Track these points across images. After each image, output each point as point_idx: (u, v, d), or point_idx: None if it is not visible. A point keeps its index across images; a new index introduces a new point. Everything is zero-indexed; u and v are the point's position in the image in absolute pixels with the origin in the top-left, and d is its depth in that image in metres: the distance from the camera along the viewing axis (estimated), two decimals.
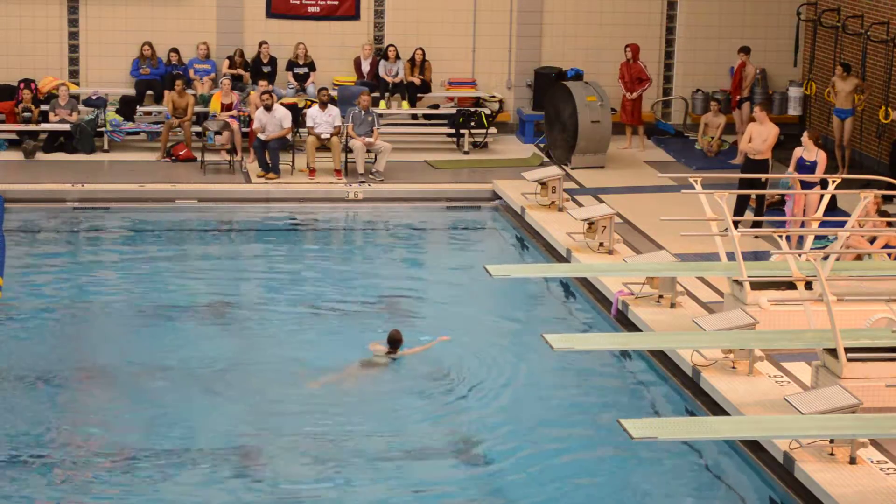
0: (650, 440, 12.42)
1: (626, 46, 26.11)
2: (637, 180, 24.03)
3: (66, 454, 14.17)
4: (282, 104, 24.72)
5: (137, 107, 25.54)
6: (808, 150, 20.11)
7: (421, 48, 26.37)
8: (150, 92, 25.85)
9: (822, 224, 17.47)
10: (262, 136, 23.70)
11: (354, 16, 26.82)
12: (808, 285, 16.16)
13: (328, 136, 23.94)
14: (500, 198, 23.20)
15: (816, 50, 26.84)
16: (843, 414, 13.03)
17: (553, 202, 21.90)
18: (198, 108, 25.24)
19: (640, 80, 25.99)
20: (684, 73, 27.70)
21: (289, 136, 24.05)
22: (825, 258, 16.07)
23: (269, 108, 23.86)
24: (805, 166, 20.05)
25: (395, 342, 16.59)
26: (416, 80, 26.23)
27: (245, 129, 24.70)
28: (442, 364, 16.76)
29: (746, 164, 21.15)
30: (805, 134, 20.29)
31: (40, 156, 24.60)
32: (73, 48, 26.07)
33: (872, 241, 18.01)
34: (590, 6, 27.30)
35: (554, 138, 25.34)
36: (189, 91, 25.34)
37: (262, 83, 24.65)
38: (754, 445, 13.89)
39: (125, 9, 26.10)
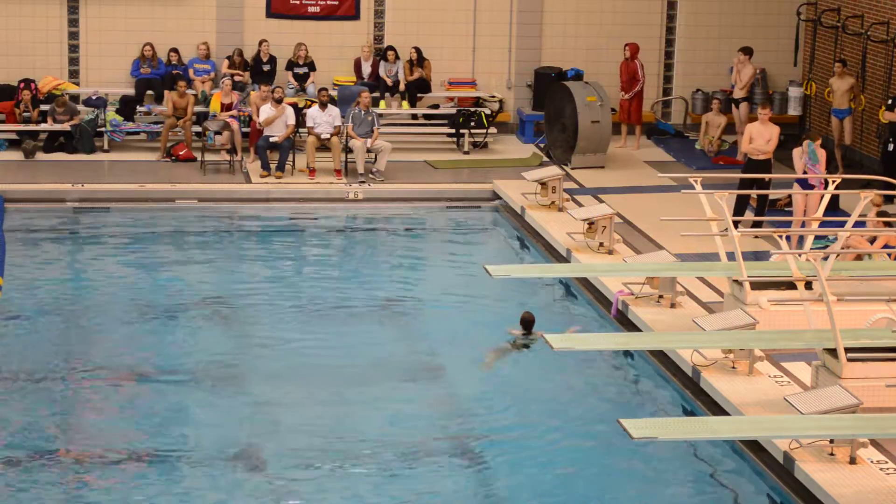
0: (650, 440, 12.43)
1: (625, 45, 26.11)
2: (637, 180, 24.03)
3: (66, 454, 14.17)
4: None
5: (137, 107, 25.54)
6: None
7: (415, 47, 26.34)
8: (150, 92, 25.84)
9: (822, 224, 17.47)
10: (272, 139, 23.71)
11: (354, 16, 26.82)
12: (808, 285, 16.16)
13: (328, 136, 23.95)
14: (500, 198, 23.20)
15: (816, 50, 26.84)
16: (843, 414, 13.03)
17: (553, 202, 21.90)
18: (198, 108, 25.24)
19: (634, 79, 26.00)
20: (684, 73, 27.70)
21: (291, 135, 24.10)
22: (825, 258, 16.07)
23: (279, 102, 23.91)
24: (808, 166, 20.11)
25: (527, 323, 16.87)
26: (412, 77, 26.19)
27: (245, 129, 24.70)
28: (442, 364, 16.78)
29: (748, 164, 21.14)
30: (818, 141, 20.35)
31: (40, 156, 24.60)
32: (73, 48, 26.07)
33: (872, 241, 18.01)
34: (590, 6, 27.29)
35: (554, 138, 25.34)
36: (189, 91, 25.34)
37: (265, 88, 24.64)
38: (754, 445, 13.89)
39: (125, 9, 26.10)
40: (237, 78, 25.55)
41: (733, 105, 26.12)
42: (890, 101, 23.12)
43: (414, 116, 26.58)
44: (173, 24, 26.20)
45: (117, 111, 25.22)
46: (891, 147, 22.88)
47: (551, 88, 25.71)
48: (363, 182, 23.66)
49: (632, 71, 25.99)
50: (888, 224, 18.06)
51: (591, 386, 16.24)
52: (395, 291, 19.48)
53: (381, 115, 25.11)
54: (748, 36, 27.15)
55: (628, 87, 25.99)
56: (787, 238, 16.98)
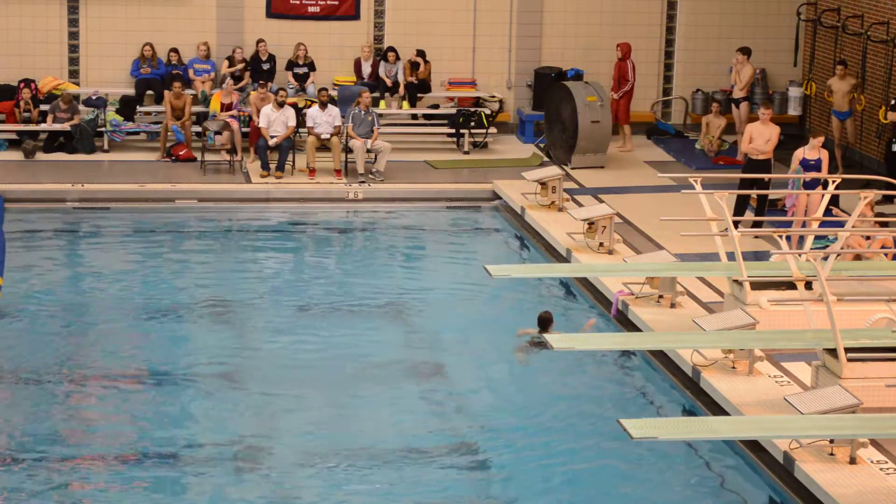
0: (650, 440, 12.43)
1: (617, 45, 26.08)
2: (637, 180, 24.03)
3: (66, 454, 14.17)
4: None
5: (137, 107, 25.54)
6: (812, 149, 20.14)
7: (418, 50, 26.35)
8: (150, 92, 25.84)
9: (822, 224, 17.47)
10: (272, 142, 23.72)
11: (354, 16, 26.81)
12: (808, 285, 16.16)
13: (328, 136, 23.95)
14: (500, 198, 23.20)
15: (816, 50, 26.84)
16: (843, 414, 13.03)
17: (553, 202, 21.90)
18: (198, 108, 25.23)
19: (624, 79, 25.96)
20: (684, 73, 27.69)
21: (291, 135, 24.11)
22: (825, 258, 16.07)
23: (282, 105, 23.94)
24: (810, 165, 20.08)
25: (544, 322, 16.79)
26: (414, 80, 26.21)
27: (245, 129, 24.70)
28: (442, 364, 16.78)
29: (748, 164, 21.14)
30: (820, 138, 20.32)
31: (40, 156, 24.59)
32: (73, 48, 26.07)
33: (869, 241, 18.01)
34: (590, 6, 27.29)
35: (554, 138, 25.34)
36: (189, 91, 25.34)
37: (263, 90, 24.62)
38: (754, 445, 13.89)
39: (125, 9, 26.09)
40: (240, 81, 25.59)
41: (733, 105, 26.12)
42: (893, 102, 23.13)
43: (414, 116, 26.58)
44: (173, 24, 26.19)
45: (117, 111, 25.22)
46: (894, 147, 22.91)
47: (551, 88, 25.71)
48: (363, 182, 23.66)
49: (622, 71, 25.98)
50: (883, 224, 18.04)
51: (591, 386, 16.24)
52: (394, 291, 19.48)
53: (381, 115, 25.12)
54: (748, 36, 27.15)
55: (618, 87, 25.98)
56: (787, 238, 16.98)
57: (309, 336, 17.67)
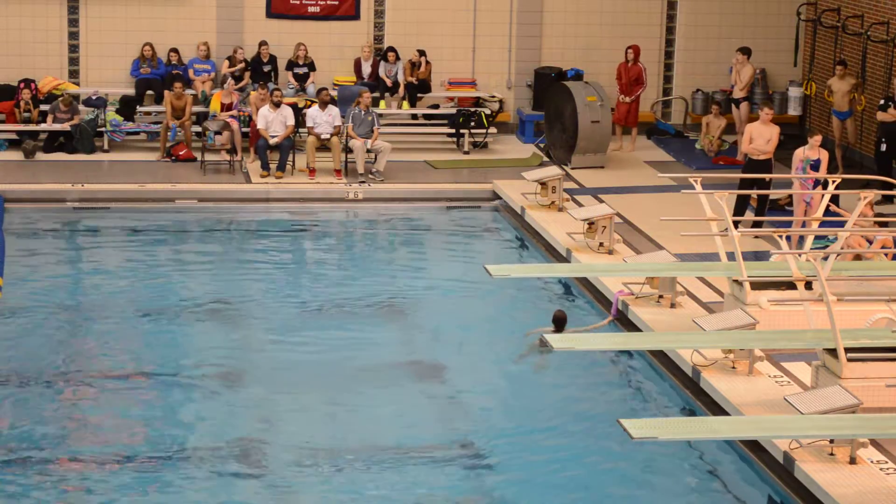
0: (650, 440, 12.43)
1: (628, 48, 26.06)
2: (637, 180, 24.03)
3: (66, 454, 14.17)
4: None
5: (137, 107, 25.54)
6: (811, 148, 20.14)
7: (419, 50, 26.36)
8: (150, 92, 25.84)
9: (822, 224, 17.47)
10: (271, 141, 23.73)
11: (354, 16, 26.82)
12: (808, 285, 16.17)
13: (328, 136, 23.95)
14: (500, 198, 23.20)
15: (816, 50, 26.84)
16: (843, 414, 13.04)
17: (553, 202, 21.91)
18: (198, 108, 25.23)
19: (639, 82, 25.94)
20: (684, 73, 27.70)
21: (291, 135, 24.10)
22: (825, 258, 16.06)
23: (278, 105, 23.94)
24: (809, 165, 20.09)
25: (559, 322, 16.76)
26: (414, 80, 26.22)
27: (245, 129, 24.70)
28: (442, 364, 16.77)
29: (748, 165, 21.15)
30: (818, 137, 20.34)
31: (40, 156, 24.59)
32: (73, 48, 26.07)
33: (870, 241, 18.00)
34: (590, 6, 27.29)
35: (554, 138, 25.34)
36: (189, 91, 25.34)
37: (262, 91, 24.62)
38: (754, 445, 13.90)
39: (125, 9, 26.10)
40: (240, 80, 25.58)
41: (733, 105, 26.13)
42: (882, 102, 23.16)
43: (414, 116, 26.58)
44: (173, 24, 26.19)
45: (117, 111, 25.22)
46: (883, 147, 22.97)
47: (551, 88, 25.71)
48: (363, 182, 23.66)
49: (636, 73, 25.93)
50: (883, 224, 18.05)
51: (591, 386, 16.24)
52: (394, 291, 19.48)
53: (381, 115, 25.12)
54: (748, 36, 27.15)
55: (630, 90, 25.92)
56: (788, 238, 16.97)
57: (309, 336, 17.67)
